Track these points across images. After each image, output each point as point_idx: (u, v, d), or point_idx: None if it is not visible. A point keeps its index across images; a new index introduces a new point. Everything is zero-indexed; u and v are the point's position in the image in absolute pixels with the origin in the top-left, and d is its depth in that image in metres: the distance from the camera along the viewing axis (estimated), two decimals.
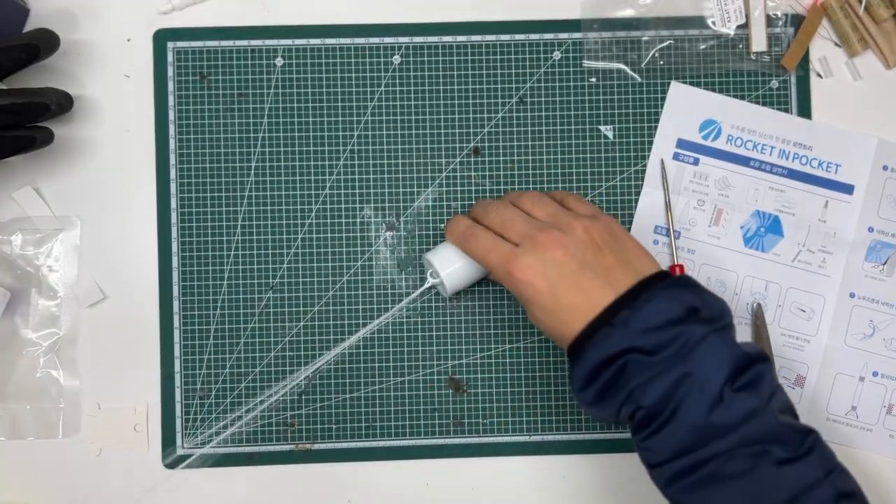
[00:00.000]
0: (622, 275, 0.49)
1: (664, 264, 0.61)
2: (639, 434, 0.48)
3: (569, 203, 0.55)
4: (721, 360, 0.46)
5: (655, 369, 0.46)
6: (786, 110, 0.62)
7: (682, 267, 0.61)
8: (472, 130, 0.62)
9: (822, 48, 0.63)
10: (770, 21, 0.62)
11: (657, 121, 0.62)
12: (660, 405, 0.46)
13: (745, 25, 0.62)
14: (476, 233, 0.53)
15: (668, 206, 0.61)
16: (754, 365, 0.47)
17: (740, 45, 0.62)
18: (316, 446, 0.60)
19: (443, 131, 0.62)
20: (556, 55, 0.62)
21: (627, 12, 0.62)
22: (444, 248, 0.57)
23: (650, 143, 0.62)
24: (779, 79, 0.62)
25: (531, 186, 0.62)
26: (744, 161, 0.62)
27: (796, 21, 0.62)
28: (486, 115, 0.62)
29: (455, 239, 0.55)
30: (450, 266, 0.56)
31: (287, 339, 0.61)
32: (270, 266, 0.61)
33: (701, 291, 0.49)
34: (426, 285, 0.59)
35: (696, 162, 0.62)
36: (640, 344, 0.46)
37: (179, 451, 0.60)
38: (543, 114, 0.62)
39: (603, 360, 0.47)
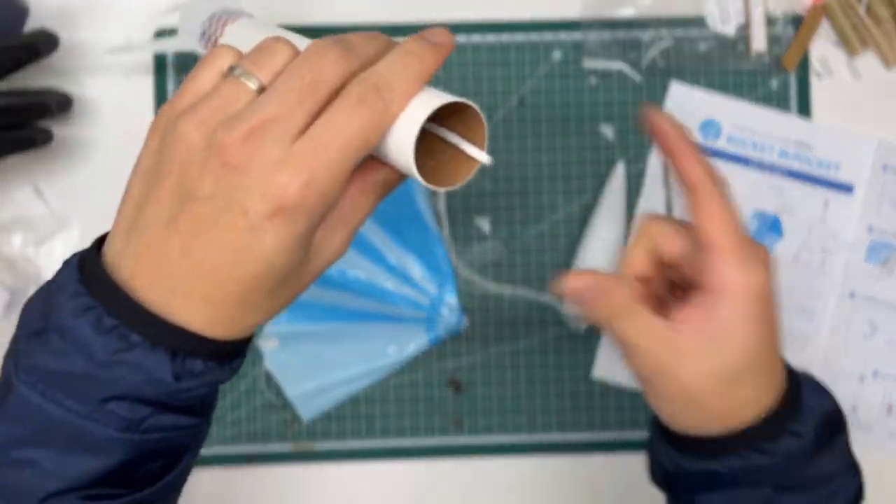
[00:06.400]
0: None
1: None
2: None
3: None
4: None
5: None
6: (786, 110, 0.62)
7: None
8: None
9: (822, 48, 0.63)
10: (770, 21, 0.62)
11: None
12: None
13: (745, 25, 0.62)
14: None
15: (668, 207, 0.61)
16: None
17: (740, 45, 0.62)
18: (316, 446, 0.60)
19: None
20: (556, 55, 0.62)
21: (627, 12, 0.62)
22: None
23: (650, 143, 0.62)
24: (779, 79, 0.62)
25: (531, 186, 0.62)
26: (744, 161, 0.62)
27: (796, 21, 0.62)
28: (486, 115, 0.62)
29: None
30: None
31: None
32: None
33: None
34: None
35: None
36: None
37: None
38: (543, 114, 0.62)
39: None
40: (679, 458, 0.38)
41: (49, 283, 0.32)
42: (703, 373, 0.35)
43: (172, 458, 0.34)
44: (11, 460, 0.31)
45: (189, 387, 0.31)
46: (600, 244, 0.59)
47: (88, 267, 0.31)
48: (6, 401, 0.31)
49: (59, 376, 0.30)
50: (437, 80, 0.64)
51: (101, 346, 0.30)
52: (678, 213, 0.61)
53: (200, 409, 0.34)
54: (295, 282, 0.32)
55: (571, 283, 0.37)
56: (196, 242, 0.30)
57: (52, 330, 0.30)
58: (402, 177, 0.34)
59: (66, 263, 0.32)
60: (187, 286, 0.30)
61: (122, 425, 0.31)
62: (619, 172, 0.61)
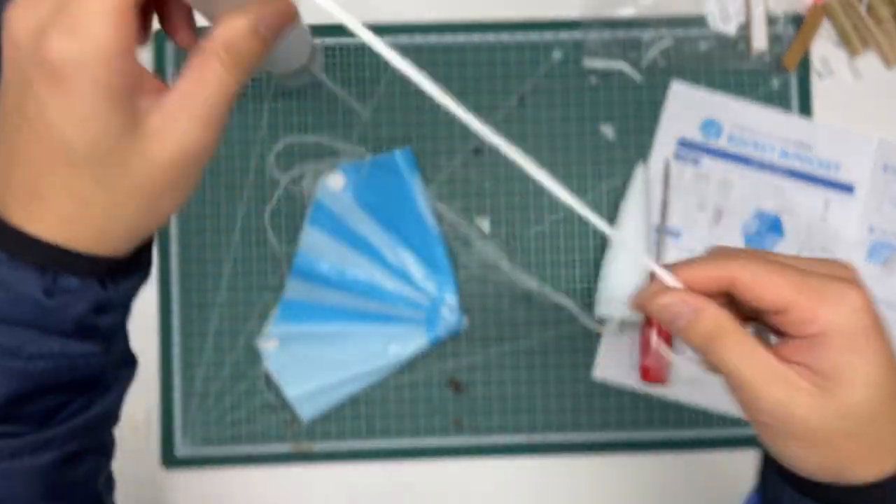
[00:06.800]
0: None
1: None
2: None
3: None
4: None
5: None
6: (787, 110, 0.62)
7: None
8: (472, 130, 0.62)
9: (823, 48, 0.63)
10: (771, 20, 0.62)
11: (658, 121, 0.62)
12: None
13: (745, 25, 0.62)
14: None
15: (664, 206, 0.61)
16: None
17: (741, 45, 0.62)
18: (315, 446, 0.60)
19: (443, 131, 0.62)
20: (556, 55, 0.62)
21: (628, 11, 0.62)
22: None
23: (650, 143, 0.62)
24: (779, 78, 0.62)
25: (531, 186, 0.62)
26: (744, 161, 0.61)
27: (797, 20, 0.62)
28: (486, 115, 0.62)
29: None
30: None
31: None
32: (270, 266, 0.61)
33: None
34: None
35: (696, 162, 0.61)
36: None
37: (179, 452, 0.60)
38: (543, 114, 0.62)
39: None
40: (802, 503, 0.34)
41: None
42: (824, 411, 0.31)
43: (75, 393, 0.33)
44: None
45: (63, 305, 0.30)
46: (627, 254, 0.59)
47: None
48: None
49: None
50: (440, 78, 0.64)
51: None
52: (679, 212, 0.61)
53: (93, 334, 0.32)
54: (132, 167, 0.29)
55: (661, 299, 0.33)
56: (12, 137, 0.29)
57: None
58: (241, 34, 0.30)
59: None
60: (23, 188, 0.29)
61: (1, 352, 0.29)
62: (639, 177, 0.60)
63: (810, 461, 0.33)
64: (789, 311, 0.31)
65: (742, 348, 0.32)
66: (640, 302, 0.34)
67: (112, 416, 0.36)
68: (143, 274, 0.34)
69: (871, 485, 0.32)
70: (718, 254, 0.34)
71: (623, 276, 0.58)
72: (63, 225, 0.29)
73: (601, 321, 0.60)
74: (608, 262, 0.60)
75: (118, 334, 0.34)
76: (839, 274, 0.33)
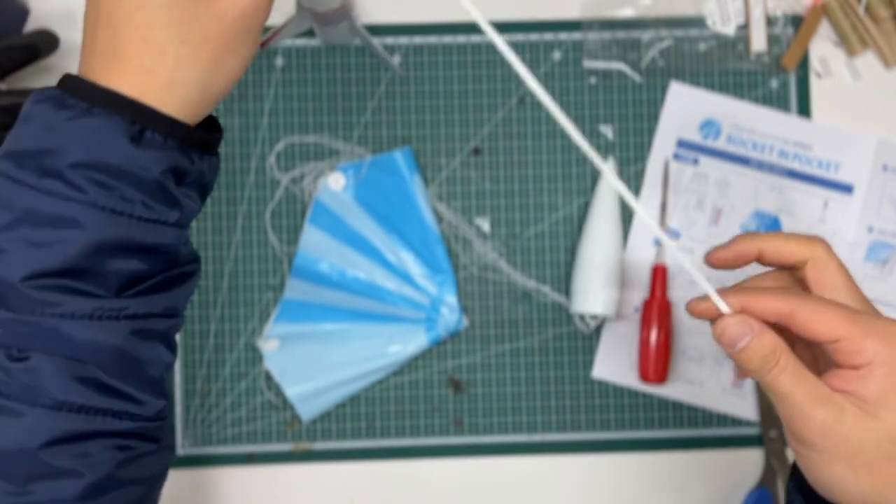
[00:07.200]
0: None
1: (648, 266, 0.61)
2: None
3: None
4: None
5: None
6: (785, 110, 0.62)
7: (663, 269, 0.61)
8: (472, 130, 0.62)
9: (822, 48, 0.63)
10: (770, 21, 0.62)
11: (657, 121, 0.62)
12: None
13: (745, 25, 0.62)
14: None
15: (663, 206, 0.61)
16: None
17: (740, 45, 0.62)
18: (316, 446, 0.60)
19: (443, 131, 0.62)
20: (556, 55, 0.62)
21: (627, 12, 0.62)
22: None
23: (650, 143, 0.62)
24: (778, 79, 0.62)
25: (531, 186, 0.62)
26: (743, 161, 0.62)
27: (796, 21, 0.62)
28: (486, 115, 0.62)
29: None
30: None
31: None
32: (270, 266, 0.61)
33: None
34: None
35: (695, 162, 0.62)
36: None
37: (179, 451, 0.60)
38: (543, 114, 0.62)
39: None
40: None
41: None
42: (868, 433, 0.33)
43: (153, 262, 0.35)
44: None
45: (148, 156, 0.33)
46: (599, 244, 0.59)
47: (65, 77, 0.34)
48: None
49: (26, 155, 0.32)
50: (440, 78, 0.65)
51: (61, 117, 0.32)
52: (678, 213, 0.61)
53: (172, 201, 0.34)
54: (202, 20, 0.33)
55: (726, 320, 0.35)
56: (97, 3, 0.34)
57: (19, 120, 0.33)
58: None
59: None
60: (106, 46, 0.33)
61: (87, 197, 0.32)
62: (609, 171, 0.61)
63: (852, 486, 0.34)
64: (841, 342, 0.34)
65: (795, 369, 0.34)
66: (698, 312, 0.37)
67: (179, 312, 0.37)
68: (214, 161, 0.36)
69: None
70: (772, 283, 0.38)
71: (593, 272, 0.59)
72: (141, 74, 0.33)
73: (580, 317, 0.60)
74: (578, 259, 0.60)
75: (188, 219, 0.36)
76: (883, 315, 0.36)
